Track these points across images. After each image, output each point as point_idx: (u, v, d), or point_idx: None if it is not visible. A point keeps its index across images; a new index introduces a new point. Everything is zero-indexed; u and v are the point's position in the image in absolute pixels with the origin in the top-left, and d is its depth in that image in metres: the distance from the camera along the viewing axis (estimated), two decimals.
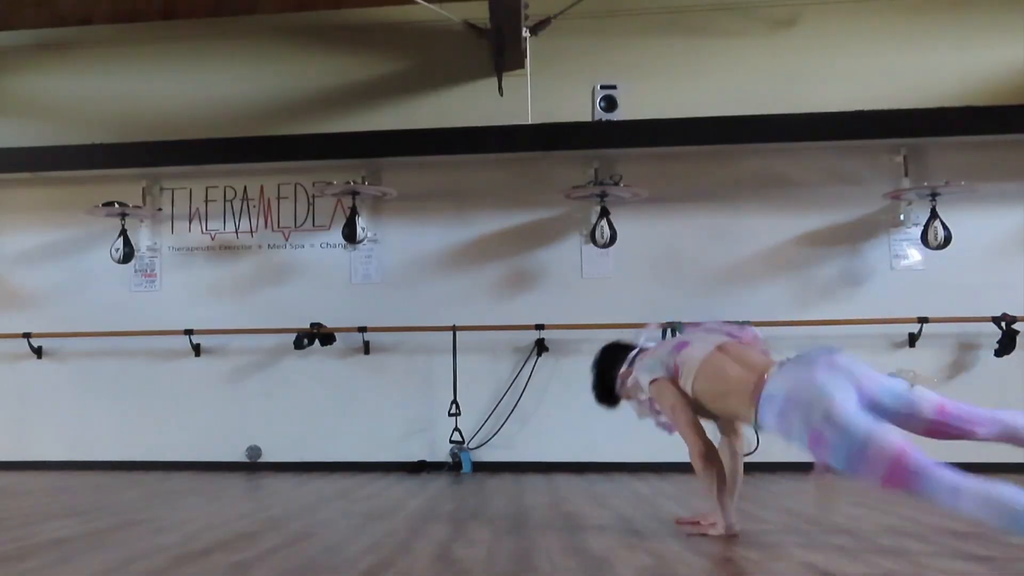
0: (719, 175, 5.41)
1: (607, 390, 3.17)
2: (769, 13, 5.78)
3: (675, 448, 5.05)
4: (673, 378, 2.87)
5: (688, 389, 2.83)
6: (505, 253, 5.49)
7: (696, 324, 3.27)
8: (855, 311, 5.16)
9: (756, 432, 2.81)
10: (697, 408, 2.86)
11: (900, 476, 2.39)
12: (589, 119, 5.29)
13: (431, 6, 5.67)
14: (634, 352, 3.08)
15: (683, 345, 2.94)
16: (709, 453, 2.79)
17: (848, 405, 2.49)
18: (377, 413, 5.42)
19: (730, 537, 2.79)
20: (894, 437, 2.47)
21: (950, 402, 2.57)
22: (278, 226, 5.69)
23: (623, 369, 3.06)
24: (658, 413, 2.96)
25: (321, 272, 5.60)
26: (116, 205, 5.44)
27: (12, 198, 5.82)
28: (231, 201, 5.74)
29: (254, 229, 5.70)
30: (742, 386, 2.72)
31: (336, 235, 5.53)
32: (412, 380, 5.44)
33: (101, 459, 5.52)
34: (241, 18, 6.16)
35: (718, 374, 2.81)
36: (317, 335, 5.39)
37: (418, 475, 5.05)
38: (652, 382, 2.90)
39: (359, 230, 5.36)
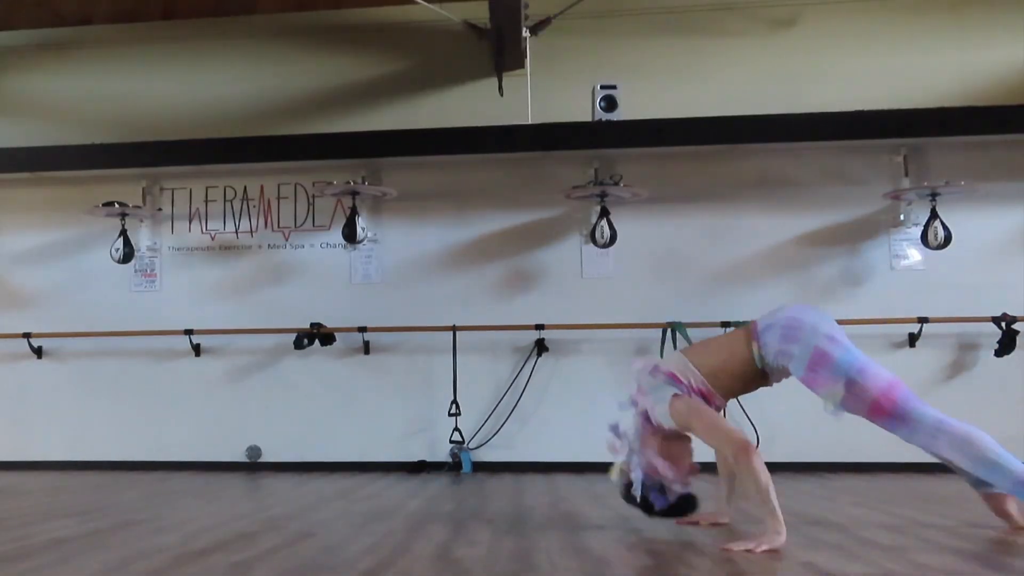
0: (719, 175, 5.41)
1: (661, 500, 2.86)
2: (769, 13, 5.79)
3: None
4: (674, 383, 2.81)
5: (694, 376, 2.80)
6: (505, 253, 5.49)
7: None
8: (855, 311, 5.15)
9: (759, 360, 2.78)
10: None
11: (888, 405, 2.58)
12: (589, 119, 5.29)
13: (431, 6, 5.67)
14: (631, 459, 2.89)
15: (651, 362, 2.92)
16: (750, 443, 2.61)
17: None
18: (377, 413, 5.42)
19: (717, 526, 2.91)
20: (887, 370, 2.66)
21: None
22: (278, 226, 5.69)
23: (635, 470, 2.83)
24: (659, 465, 2.80)
25: (321, 272, 5.60)
26: (116, 205, 5.43)
27: (12, 198, 5.82)
28: (231, 201, 5.74)
29: (254, 229, 5.70)
30: (735, 338, 2.86)
31: (336, 235, 5.53)
32: (412, 380, 5.44)
33: (101, 459, 5.51)
34: (241, 18, 6.17)
35: (707, 345, 2.93)
36: (317, 335, 5.39)
37: (418, 475, 5.05)
38: (672, 401, 2.73)
39: (359, 230, 5.36)
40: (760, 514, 2.59)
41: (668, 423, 2.75)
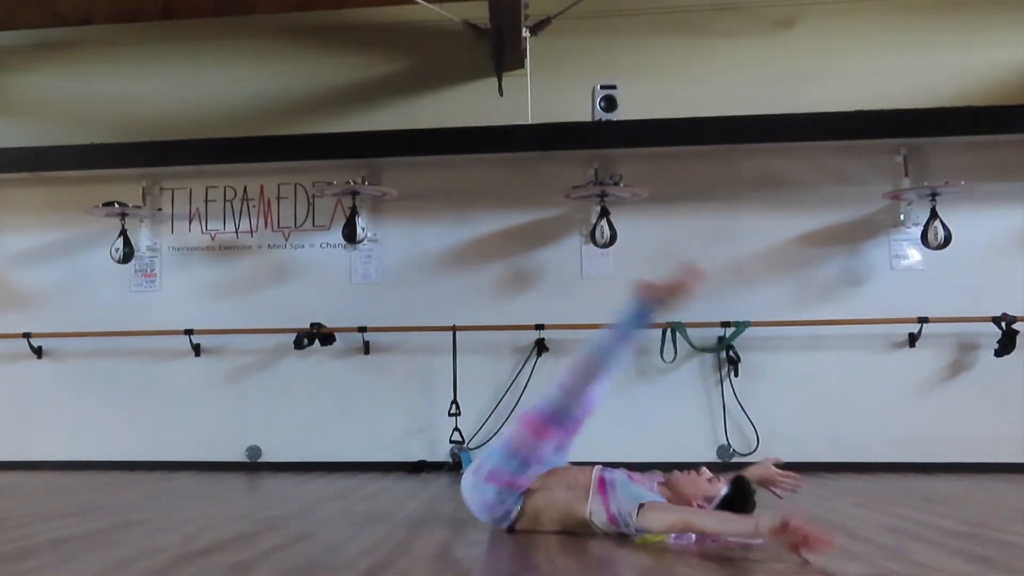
0: (719, 175, 5.41)
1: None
2: (769, 13, 5.78)
3: (673, 448, 5.04)
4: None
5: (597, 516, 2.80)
6: (505, 253, 5.48)
7: None
8: (855, 311, 5.16)
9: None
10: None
11: (534, 424, 2.96)
12: (589, 119, 5.29)
13: (431, 6, 5.67)
14: None
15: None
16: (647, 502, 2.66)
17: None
18: (377, 413, 5.42)
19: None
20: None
21: None
22: (278, 226, 5.69)
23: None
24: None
25: (321, 272, 5.60)
26: (116, 205, 5.44)
27: (12, 198, 5.82)
28: (231, 201, 5.74)
29: (254, 229, 5.70)
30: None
31: (336, 235, 5.53)
32: (412, 380, 5.44)
33: (101, 459, 5.51)
34: (241, 18, 6.16)
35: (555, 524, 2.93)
36: (317, 335, 5.39)
37: (418, 475, 5.06)
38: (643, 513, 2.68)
39: (359, 230, 5.36)
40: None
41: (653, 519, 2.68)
